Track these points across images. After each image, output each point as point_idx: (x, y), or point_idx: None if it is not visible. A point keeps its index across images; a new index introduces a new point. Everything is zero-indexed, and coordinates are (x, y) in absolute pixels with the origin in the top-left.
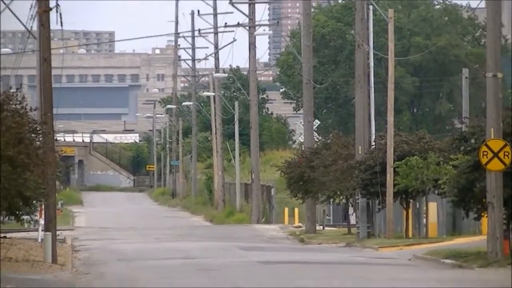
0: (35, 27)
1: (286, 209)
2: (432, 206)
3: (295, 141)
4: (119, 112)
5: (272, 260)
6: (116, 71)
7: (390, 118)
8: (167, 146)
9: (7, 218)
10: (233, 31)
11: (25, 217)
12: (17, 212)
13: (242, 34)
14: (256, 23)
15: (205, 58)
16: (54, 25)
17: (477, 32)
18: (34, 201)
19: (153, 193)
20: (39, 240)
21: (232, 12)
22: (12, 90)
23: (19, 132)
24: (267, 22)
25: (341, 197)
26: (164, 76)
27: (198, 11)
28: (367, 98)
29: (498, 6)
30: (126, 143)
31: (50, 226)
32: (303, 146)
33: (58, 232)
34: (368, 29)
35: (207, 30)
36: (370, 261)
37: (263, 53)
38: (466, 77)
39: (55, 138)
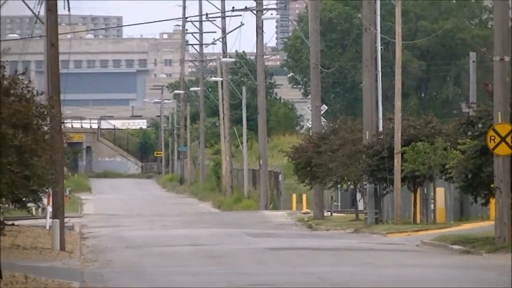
0: (42, 12)
1: (294, 195)
2: (440, 192)
3: (303, 127)
4: (127, 98)
5: (280, 246)
6: (123, 56)
7: (398, 102)
8: (175, 132)
9: (13, 205)
10: (240, 15)
11: (30, 204)
12: (23, 199)
13: (250, 19)
14: (264, 7)
15: (212, 43)
16: (61, 10)
17: (484, 15)
18: (40, 190)
19: (161, 180)
20: (47, 228)
21: None
22: (18, 74)
23: (26, 117)
24: (275, 6)
25: (349, 183)
26: (172, 61)
27: None
28: (374, 82)
29: None
30: (134, 129)
31: (58, 213)
32: (310, 131)
33: (66, 219)
34: (375, 12)
35: (215, 14)
36: (378, 247)
37: (270, 38)
38: (474, 61)
39: (62, 122)
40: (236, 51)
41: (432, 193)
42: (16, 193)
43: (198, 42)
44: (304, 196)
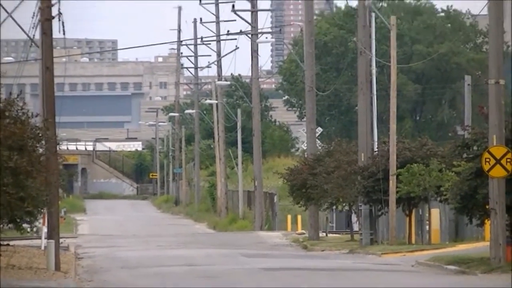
0: (37, 36)
1: (289, 216)
2: (435, 213)
3: (298, 149)
4: (122, 120)
5: (275, 267)
6: (119, 79)
7: (393, 125)
8: (170, 154)
9: (7, 226)
10: (235, 38)
11: (25, 225)
12: (18, 221)
13: (245, 42)
14: (259, 30)
15: (207, 66)
16: (56, 34)
17: (478, 39)
18: (35, 211)
19: (156, 201)
20: (42, 248)
21: (235, 20)
22: (13, 97)
23: (21, 139)
24: (270, 30)
25: (344, 204)
26: (167, 84)
27: (201, 19)
28: (369, 105)
29: (501, 12)
30: (129, 151)
31: (53, 233)
32: (305, 153)
33: (61, 240)
34: (370, 36)
35: (210, 38)
36: (373, 268)
37: (265, 61)
38: (469, 84)
39: (57, 144)
40: (231, 74)
41: (427, 214)
42: (11, 214)
43: (193, 65)
44: (299, 217)
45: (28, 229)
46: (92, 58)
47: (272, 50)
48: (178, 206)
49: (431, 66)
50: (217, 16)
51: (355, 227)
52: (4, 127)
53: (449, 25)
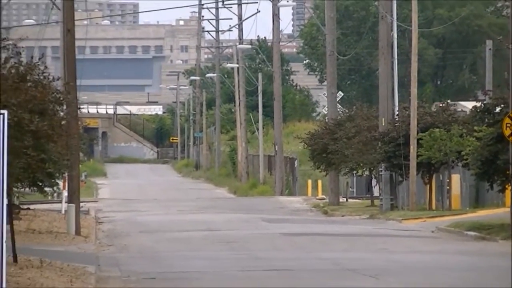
0: None
1: (310, 181)
2: (455, 178)
3: (319, 113)
4: (142, 84)
5: (295, 232)
6: (140, 43)
7: (414, 89)
8: (191, 117)
9: (30, 190)
10: (257, 2)
11: (47, 189)
12: (40, 184)
13: (266, 5)
14: None
15: (229, 30)
16: None
17: (499, 2)
18: (57, 173)
19: (177, 165)
20: (63, 212)
21: None
22: (34, 61)
23: (42, 103)
24: None
25: (364, 169)
26: (188, 47)
27: None
28: (390, 69)
29: None
30: (150, 115)
31: (73, 197)
32: (326, 118)
33: (81, 204)
34: (391, 0)
35: (231, 1)
36: (393, 233)
37: (286, 25)
38: (490, 49)
39: (78, 107)
40: (258, 36)
41: (447, 180)
42: (32, 176)
43: (214, 29)
44: (319, 182)
45: (50, 192)
46: (113, 21)
47: (293, 14)
48: (199, 170)
49: (452, 31)
50: None
51: (375, 192)
52: (26, 91)
53: None
